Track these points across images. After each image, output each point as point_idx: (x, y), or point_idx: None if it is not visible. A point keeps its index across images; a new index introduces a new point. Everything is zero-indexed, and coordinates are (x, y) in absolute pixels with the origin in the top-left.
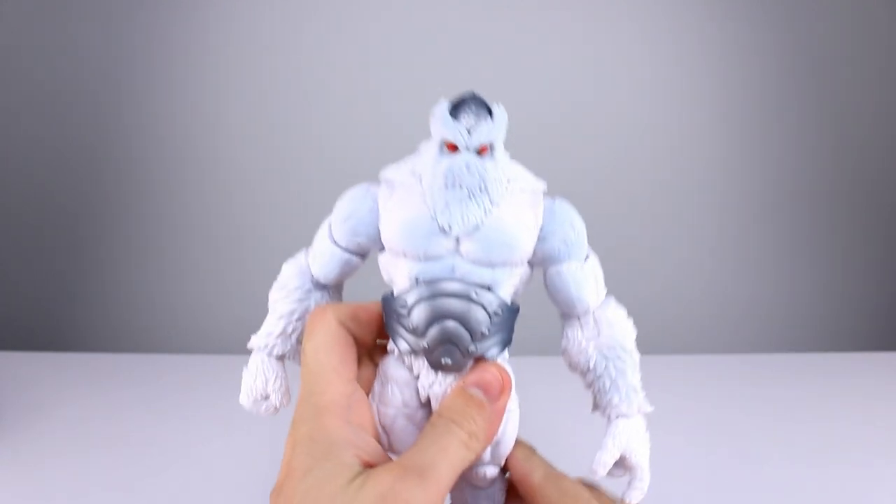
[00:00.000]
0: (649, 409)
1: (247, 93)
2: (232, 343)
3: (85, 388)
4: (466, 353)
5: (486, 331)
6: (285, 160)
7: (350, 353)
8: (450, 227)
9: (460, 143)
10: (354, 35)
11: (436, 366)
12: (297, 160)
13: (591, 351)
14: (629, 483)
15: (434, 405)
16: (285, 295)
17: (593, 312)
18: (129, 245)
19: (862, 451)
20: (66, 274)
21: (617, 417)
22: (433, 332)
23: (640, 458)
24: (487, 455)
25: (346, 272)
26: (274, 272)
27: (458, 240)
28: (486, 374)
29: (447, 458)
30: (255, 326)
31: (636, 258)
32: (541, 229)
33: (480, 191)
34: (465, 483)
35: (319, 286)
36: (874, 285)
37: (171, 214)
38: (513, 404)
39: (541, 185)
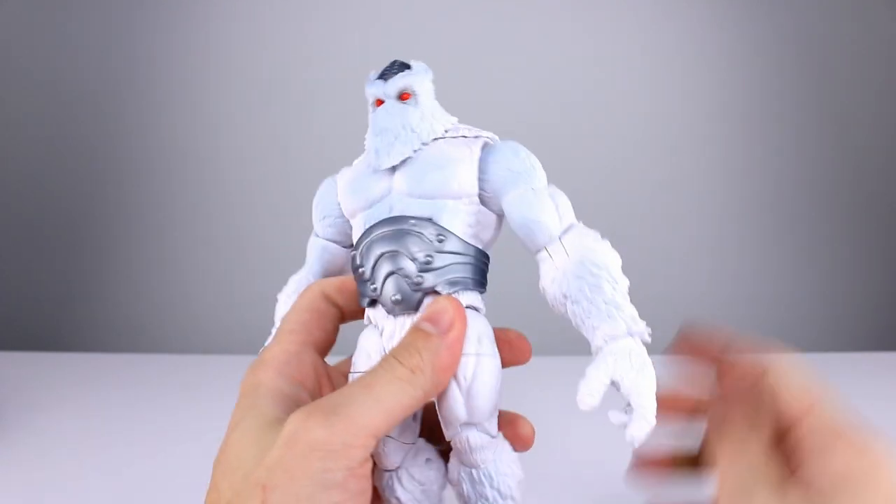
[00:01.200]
0: (642, 328)
1: (249, 93)
2: (232, 343)
3: (85, 388)
4: (413, 285)
5: (427, 258)
6: (286, 160)
7: (317, 320)
8: (379, 165)
9: (379, 92)
10: (356, 35)
11: (389, 308)
12: (298, 160)
13: (563, 276)
14: (628, 416)
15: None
16: (285, 299)
17: (560, 239)
18: (129, 245)
19: None
20: (66, 274)
21: (605, 343)
22: (378, 269)
23: (633, 384)
24: (463, 411)
25: (327, 261)
26: (274, 272)
27: (392, 179)
28: (434, 305)
29: (372, 395)
30: (256, 326)
31: (636, 258)
32: (480, 160)
33: (405, 130)
34: (456, 460)
35: None
36: (874, 285)
37: (171, 215)
38: (484, 349)
39: (486, 134)
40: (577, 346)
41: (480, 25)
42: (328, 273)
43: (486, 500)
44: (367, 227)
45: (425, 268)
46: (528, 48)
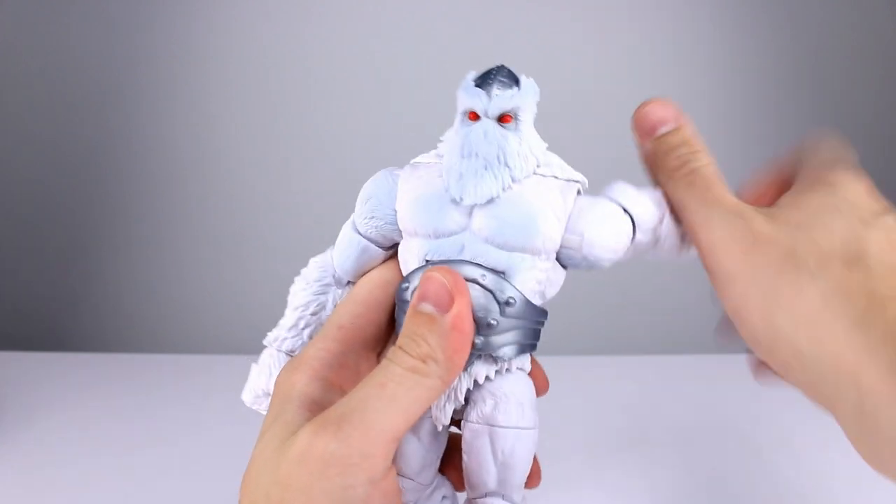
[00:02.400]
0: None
1: (251, 93)
2: (232, 343)
3: (85, 388)
4: (471, 348)
5: (493, 321)
6: (289, 160)
7: (372, 314)
8: (461, 198)
9: (479, 108)
10: (357, 34)
11: None
12: (300, 160)
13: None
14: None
15: (435, 413)
16: (304, 287)
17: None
18: (129, 245)
19: None
20: (67, 274)
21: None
22: None
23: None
24: (493, 482)
25: (364, 262)
26: (276, 272)
27: (471, 215)
28: (427, 283)
29: (385, 394)
30: (257, 326)
31: (635, 257)
32: (570, 216)
33: (499, 161)
34: None
35: (341, 283)
36: None
37: (171, 214)
38: (527, 421)
39: (579, 177)
40: (575, 347)
41: (481, 25)
42: (361, 272)
43: None
44: (429, 259)
45: (487, 331)
46: (528, 48)
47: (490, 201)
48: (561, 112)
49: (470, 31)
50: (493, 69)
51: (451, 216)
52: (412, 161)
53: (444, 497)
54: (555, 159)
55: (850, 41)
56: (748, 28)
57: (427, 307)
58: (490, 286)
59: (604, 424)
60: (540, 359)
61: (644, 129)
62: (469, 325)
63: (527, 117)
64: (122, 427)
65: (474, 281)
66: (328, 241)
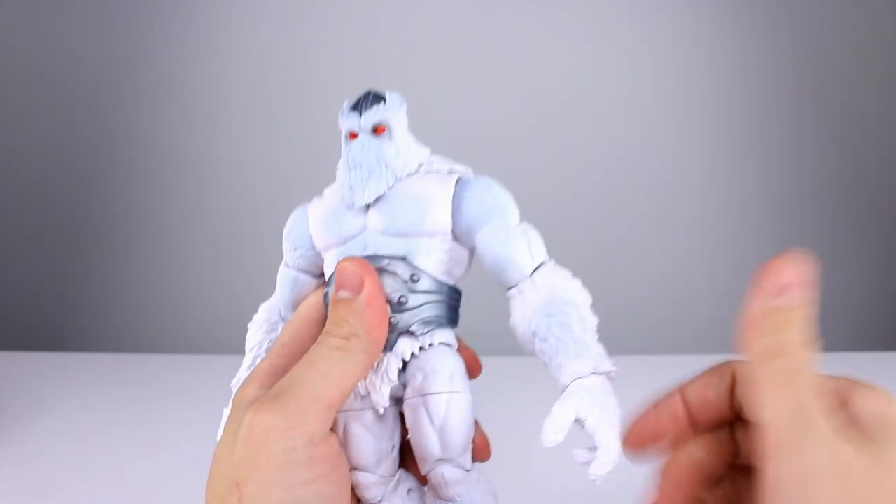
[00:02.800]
0: (610, 368)
1: (250, 96)
2: (232, 343)
3: (85, 388)
4: (390, 326)
5: (403, 298)
6: (287, 162)
7: (311, 330)
8: (353, 203)
9: (354, 126)
10: (357, 34)
11: None
12: (300, 161)
13: (533, 314)
14: (592, 454)
15: (374, 397)
16: (255, 329)
17: (531, 277)
18: (129, 245)
19: None
20: (67, 274)
21: (571, 380)
22: None
23: (599, 422)
24: (437, 448)
25: (298, 293)
26: (275, 273)
27: (367, 216)
28: (339, 273)
29: (316, 370)
30: None
31: (635, 258)
32: (454, 197)
33: (379, 165)
34: (432, 493)
35: (286, 318)
36: (874, 285)
37: (171, 215)
38: (456, 386)
39: (460, 168)
40: None
41: (480, 25)
42: (299, 303)
43: None
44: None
45: (399, 308)
46: (527, 48)
47: (379, 199)
48: (561, 112)
49: (470, 31)
50: (362, 95)
51: (350, 220)
52: (320, 195)
53: (409, 490)
54: (437, 159)
55: (850, 41)
56: (748, 28)
57: (343, 293)
58: (394, 269)
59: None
60: (528, 360)
61: (767, 288)
62: (381, 301)
63: (399, 125)
64: (122, 426)
65: (381, 269)
66: None
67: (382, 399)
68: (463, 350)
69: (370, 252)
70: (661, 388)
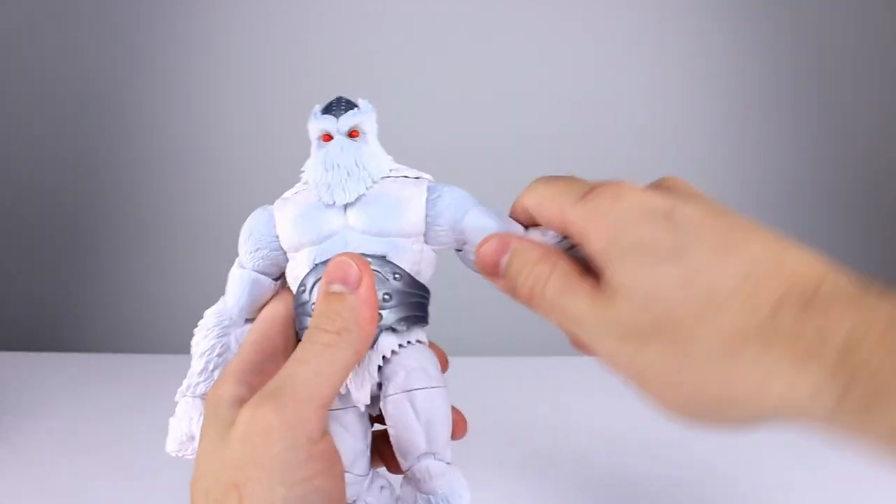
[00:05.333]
0: None
1: (249, 97)
2: None
3: (85, 388)
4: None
5: (387, 295)
6: (286, 162)
7: (279, 327)
8: (334, 201)
9: (331, 128)
10: (358, 35)
11: None
12: (299, 164)
13: None
14: None
15: (355, 395)
16: (204, 335)
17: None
18: (129, 245)
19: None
20: (66, 274)
21: None
22: None
23: None
24: (423, 442)
25: (258, 295)
26: None
27: (346, 214)
28: (336, 267)
29: (310, 368)
30: None
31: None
32: (427, 201)
33: (358, 166)
34: (411, 488)
35: (239, 323)
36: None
37: (171, 215)
38: (434, 381)
39: (425, 175)
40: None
41: (480, 25)
42: (256, 306)
43: None
44: (319, 262)
45: (383, 305)
46: (527, 48)
47: (359, 199)
48: (561, 112)
49: (470, 31)
50: (333, 100)
51: (330, 219)
52: (281, 197)
53: (381, 487)
54: (402, 166)
55: (850, 41)
56: (748, 28)
57: (337, 287)
58: (377, 268)
59: (604, 424)
60: (542, 359)
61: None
62: (375, 298)
63: (370, 130)
64: (122, 426)
65: None
66: None
67: (364, 397)
68: (432, 347)
69: (351, 250)
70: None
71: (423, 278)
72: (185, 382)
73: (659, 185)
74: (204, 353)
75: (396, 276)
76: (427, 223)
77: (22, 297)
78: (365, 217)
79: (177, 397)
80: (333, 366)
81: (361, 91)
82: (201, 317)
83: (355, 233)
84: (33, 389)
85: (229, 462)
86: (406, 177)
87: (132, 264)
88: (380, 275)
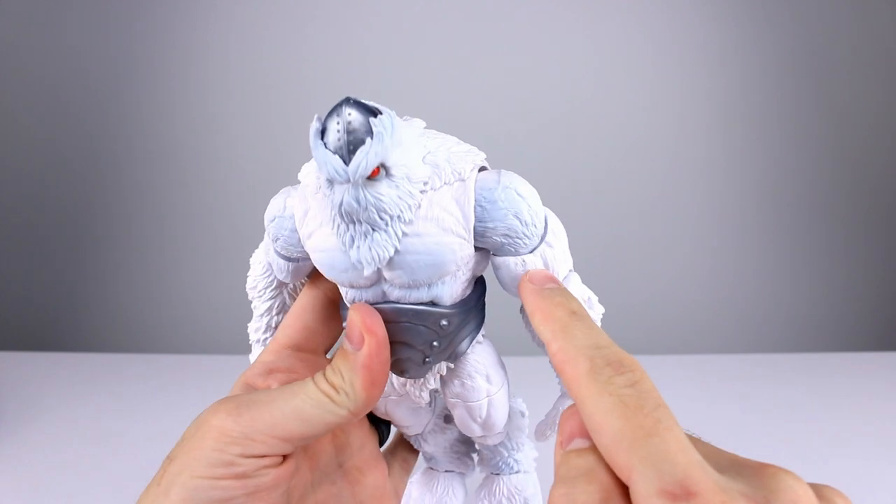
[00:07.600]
0: None
1: (250, 95)
2: (232, 343)
3: (85, 388)
4: (423, 364)
5: (435, 343)
6: (286, 162)
7: (312, 316)
8: (361, 265)
9: (337, 176)
10: (358, 35)
11: (399, 374)
12: (301, 162)
13: None
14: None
15: (413, 398)
16: (258, 295)
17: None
18: (129, 246)
19: (862, 450)
20: (66, 274)
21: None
22: None
23: None
24: (478, 433)
25: (303, 272)
26: None
27: (379, 269)
28: (348, 322)
29: (290, 403)
30: None
31: (636, 258)
32: (477, 223)
33: (382, 219)
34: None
35: (285, 284)
36: (874, 285)
37: (171, 215)
38: (494, 385)
39: (468, 168)
40: None
41: (480, 25)
42: (301, 278)
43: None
44: (355, 300)
45: (432, 351)
46: (527, 48)
47: (389, 260)
48: (562, 114)
49: (470, 31)
50: (339, 128)
51: (359, 275)
52: (298, 178)
53: (436, 420)
54: (440, 159)
55: (850, 40)
56: (749, 28)
57: (347, 344)
58: (421, 321)
59: None
60: (541, 360)
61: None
62: (379, 364)
63: (395, 155)
64: (122, 426)
65: (406, 321)
66: None
67: (422, 401)
68: None
69: (392, 299)
70: (661, 388)
71: (475, 276)
72: (255, 336)
73: (822, 496)
74: (262, 314)
75: (444, 321)
76: (476, 232)
77: (22, 297)
78: (403, 275)
79: (250, 339)
80: (316, 414)
81: (361, 91)
82: (200, 317)
83: (394, 287)
84: (33, 389)
85: (182, 439)
86: (446, 184)
87: (132, 265)
88: (423, 328)
